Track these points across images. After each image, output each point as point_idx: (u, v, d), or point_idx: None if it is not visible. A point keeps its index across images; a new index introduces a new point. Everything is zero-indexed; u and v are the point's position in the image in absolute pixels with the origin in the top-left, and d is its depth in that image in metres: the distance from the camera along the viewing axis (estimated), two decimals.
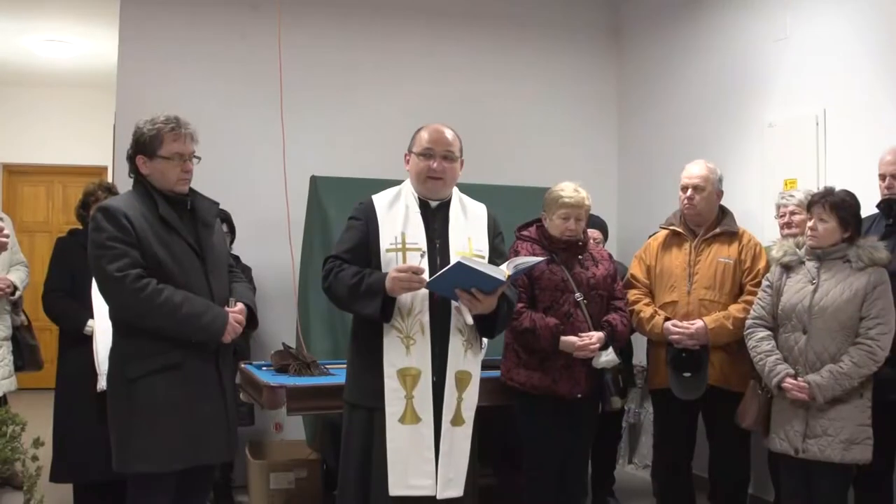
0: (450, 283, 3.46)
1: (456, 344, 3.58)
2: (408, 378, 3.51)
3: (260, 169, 6.29)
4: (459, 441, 3.59)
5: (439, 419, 3.54)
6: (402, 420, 3.50)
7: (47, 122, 10.36)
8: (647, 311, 4.75)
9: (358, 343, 3.71)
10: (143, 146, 3.57)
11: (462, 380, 3.59)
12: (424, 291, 3.52)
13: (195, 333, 3.46)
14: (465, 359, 3.60)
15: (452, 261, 3.48)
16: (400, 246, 3.57)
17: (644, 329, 4.77)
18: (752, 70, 6.07)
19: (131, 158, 3.62)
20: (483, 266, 3.46)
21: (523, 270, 3.70)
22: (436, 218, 3.69)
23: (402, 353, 3.52)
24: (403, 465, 3.49)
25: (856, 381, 3.99)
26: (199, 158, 3.67)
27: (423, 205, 3.69)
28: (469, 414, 3.63)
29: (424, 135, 3.71)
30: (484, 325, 3.67)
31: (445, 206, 3.73)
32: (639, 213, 7.09)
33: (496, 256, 3.75)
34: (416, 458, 3.50)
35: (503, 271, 3.47)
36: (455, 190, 3.80)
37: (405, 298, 3.51)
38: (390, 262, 3.54)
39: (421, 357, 3.53)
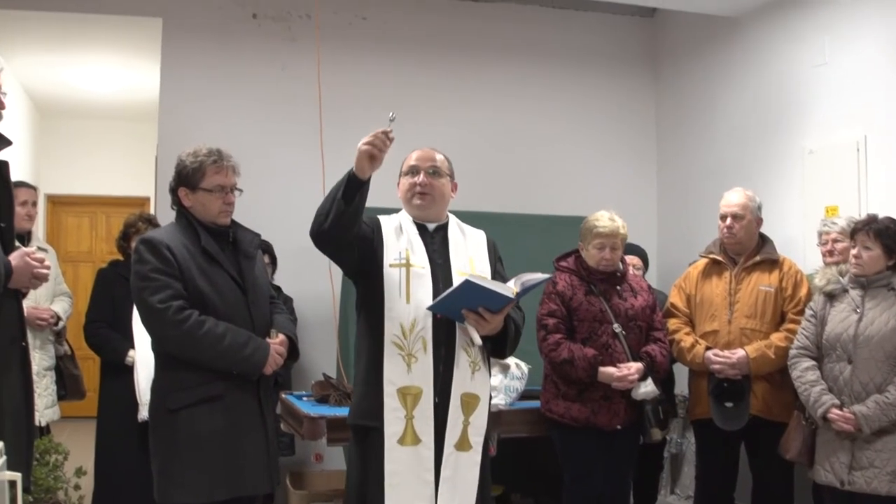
0: (456, 303, 3.36)
1: (462, 364, 3.43)
2: (408, 397, 3.37)
3: (300, 199, 6.26)
4: (465, 467, 3.43)
5: (441, 442, 3.38)
6: (401, 441, 3.35)
7: (91, 153, 10.50)
8: (687, 341, 4.71)
9: (359, 362, 3.57)
10: (186, 178, 3.60)
11: (469, 403, 3.44)
12: (427, 307, 3.40)
13: (236, 365, 3.47)
14: (473, 380, 3.46)
15: (456, 281, 3.40)
16: (404, 262, 3.48)
17: (685, 359, 4.74)
18: (792, 96, 6.03)
19: (174, 191, 3.65)
20: (491, 283, 3.38)
21: (530, 287, 3.55)
22: (434, 240, 3.61)
23: (403, 370, 3.37)
24: (401, 488, 3.34)
25: None
26: (240, 191, 3.69)
27: (421, 228, 3.62)
28: (477, 439, 3.46)
29: (411, 155, 3.69)
30: (494, 346, 3.58)
31: (443, 228, 3.66)
32: (679, 242, 7.05)
33: (496, 278, 3.63)
34: (415, 482, 3.35)
35: (510, 288, 3.39)
36: (451, 215, 3.74)
37: (407, 313, 3.40)
38: (393, 277, 3.45)
39: (423, 375, 3.38)
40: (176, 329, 3.39)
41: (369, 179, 3.32)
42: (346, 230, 3.35)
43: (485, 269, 3.62)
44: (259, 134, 6.52)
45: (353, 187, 3.29)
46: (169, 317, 3.39)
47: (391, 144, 3.30)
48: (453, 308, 3.40)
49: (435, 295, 3.42)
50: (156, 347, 3.59)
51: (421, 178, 3.60)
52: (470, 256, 3.60)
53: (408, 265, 3.47)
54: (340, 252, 3.49)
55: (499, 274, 3.69)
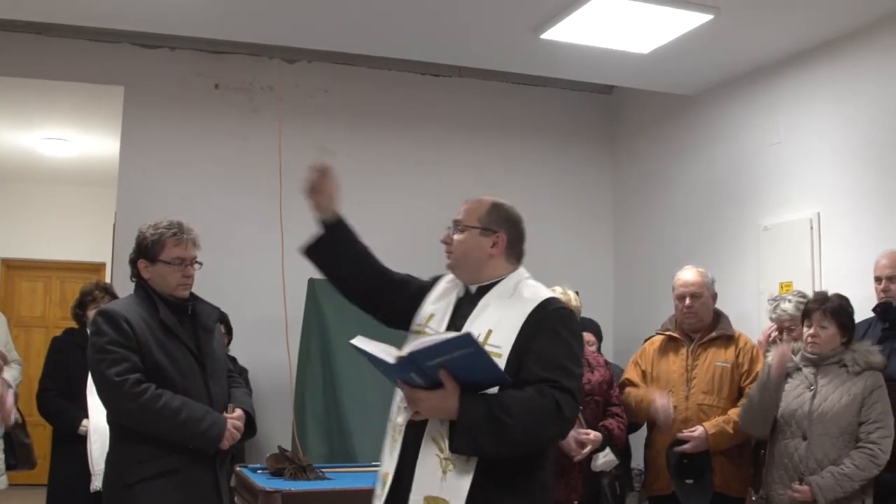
0: (394, 371, 2.64)
1: (428, 458, 2.65)
2: (385, 484, 2.78)
3: (258, 270, 6.31)
4: None
5: None
6: None
7: (47, 217, 10.39)
8: (636, 391, 4.72)
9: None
10: (145, 250, 3.60)
11: None
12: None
13: (193, 439, 3.44)
14: (444, 483, 2.60)
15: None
16: (420, 327, 2.91)
17: (634, 407, 4.69)
18: (747, 174, 6.15)
19: (133, 262, 3.65)
20: (374, 346, 2.65)
21: (435, 351, 2.54)
22: (472, 304, 2.89)
23: (388, 451, 2.81)
24: None
25: (857, 483, 3.96)
26: (200, 264, 3.69)
27: (467, 289, 2.97)
28: None
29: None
30: (451, 438, 2.63)
31: (484, 290, 2.92)
32: (636, 316, 7.11)
33: (528, 355, 2.70)
34: None
35: (393, 352, 2.59)
36: (513, 275, 2.94)
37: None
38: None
39: (390, 460, 2.79)
40: (133, 402, 3.36)
41: (338, 224, 3.13)
42: (343, 273, 3.07)
43: (504, 342, 2.72)
44: (219, 204, 6.52)
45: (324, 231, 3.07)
46: (126, 390, 3.36)
47: (329, 173, 3.16)
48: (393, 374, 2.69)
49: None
50: (112, 420, 3.55)
51: (445, 234, 3.01)
52: (491, 327, 2.76)
53: (423, 332, 2.86)
54: (368, 302, 3.07)
55: (532, 351, 2.71)
